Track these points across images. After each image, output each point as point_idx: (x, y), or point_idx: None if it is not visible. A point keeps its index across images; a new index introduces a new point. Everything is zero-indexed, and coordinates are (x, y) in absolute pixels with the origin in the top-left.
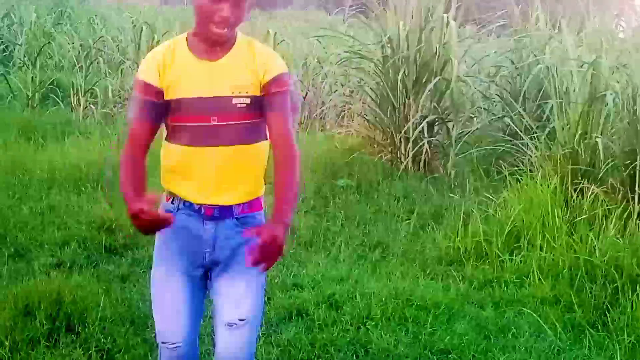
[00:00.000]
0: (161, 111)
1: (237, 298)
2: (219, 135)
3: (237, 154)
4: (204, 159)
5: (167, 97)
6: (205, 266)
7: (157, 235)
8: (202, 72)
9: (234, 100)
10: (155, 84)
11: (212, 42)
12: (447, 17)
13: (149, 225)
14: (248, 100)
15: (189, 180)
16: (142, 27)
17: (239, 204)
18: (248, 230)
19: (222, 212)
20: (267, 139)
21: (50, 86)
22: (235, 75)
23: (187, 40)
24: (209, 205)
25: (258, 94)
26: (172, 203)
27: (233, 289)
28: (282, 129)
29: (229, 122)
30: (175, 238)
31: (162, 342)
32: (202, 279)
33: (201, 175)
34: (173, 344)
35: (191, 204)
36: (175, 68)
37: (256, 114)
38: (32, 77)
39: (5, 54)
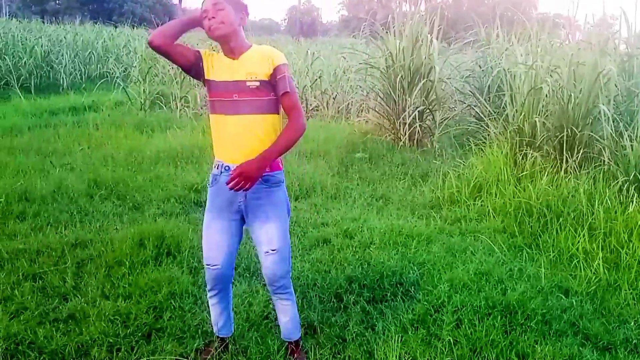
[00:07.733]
0: (198, 63)
1: (269, 236)
2: (238, 107)
3: (253, 122)
4: (230, 125)
5: (206, 76)
6: (240, 212)
7: (208, 192)
8: (227, 64)
9: (248, 83)
10: (202, 54)
11: (218, 41)
12: (431, 36)
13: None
14: (258, 83)
15: (223, 143)
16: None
17: None
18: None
19: None
20: (278, 114)
21: (156, 95)
22: (249, 66)
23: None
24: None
25: (266, 79)
26: (217, 169)
27: (266, 229)
28: (286, 103)
29: (245, 98)
30: (219, 194)
31: (207, 264)
32: (238, 224)
33: (230, 139)
34: (214, 265)
35: (229, 168)
36: (214, 59)
37: (266, 93)
38: (144, 89)
39: (125, 73)
